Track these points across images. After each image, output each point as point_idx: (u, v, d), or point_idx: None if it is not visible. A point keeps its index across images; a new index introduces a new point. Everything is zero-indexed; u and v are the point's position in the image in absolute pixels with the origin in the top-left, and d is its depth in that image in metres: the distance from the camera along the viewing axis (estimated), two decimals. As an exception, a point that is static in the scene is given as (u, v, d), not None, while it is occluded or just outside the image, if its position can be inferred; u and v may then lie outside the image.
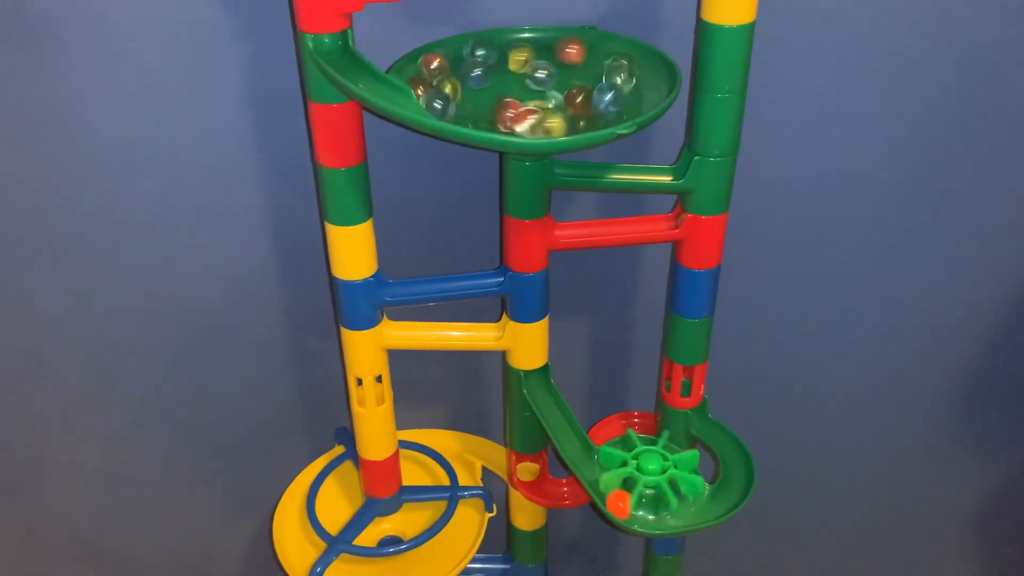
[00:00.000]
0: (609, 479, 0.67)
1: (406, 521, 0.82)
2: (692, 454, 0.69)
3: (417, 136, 0.72)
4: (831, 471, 0.98)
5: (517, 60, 0.64)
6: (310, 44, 0.58)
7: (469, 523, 0.81)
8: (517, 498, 0.82)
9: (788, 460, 0.96)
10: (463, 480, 0.84)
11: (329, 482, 0.84)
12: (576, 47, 0.64)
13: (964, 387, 0.91)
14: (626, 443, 0.71)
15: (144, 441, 0.90)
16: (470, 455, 0.88)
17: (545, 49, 0.65)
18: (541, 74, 0.62)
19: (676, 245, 0.69)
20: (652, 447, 0.70)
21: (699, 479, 0.68)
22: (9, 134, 0.72)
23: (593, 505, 0.68)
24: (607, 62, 0.62)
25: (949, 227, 0.81)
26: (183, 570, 1.00)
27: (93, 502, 0.94)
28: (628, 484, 0.67)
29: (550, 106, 0.59)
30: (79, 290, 0.80)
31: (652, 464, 0.68)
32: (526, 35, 0.68)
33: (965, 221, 0.81)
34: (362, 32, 0.62)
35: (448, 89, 0.61)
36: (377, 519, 0.81)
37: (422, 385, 0.90)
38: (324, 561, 0.76)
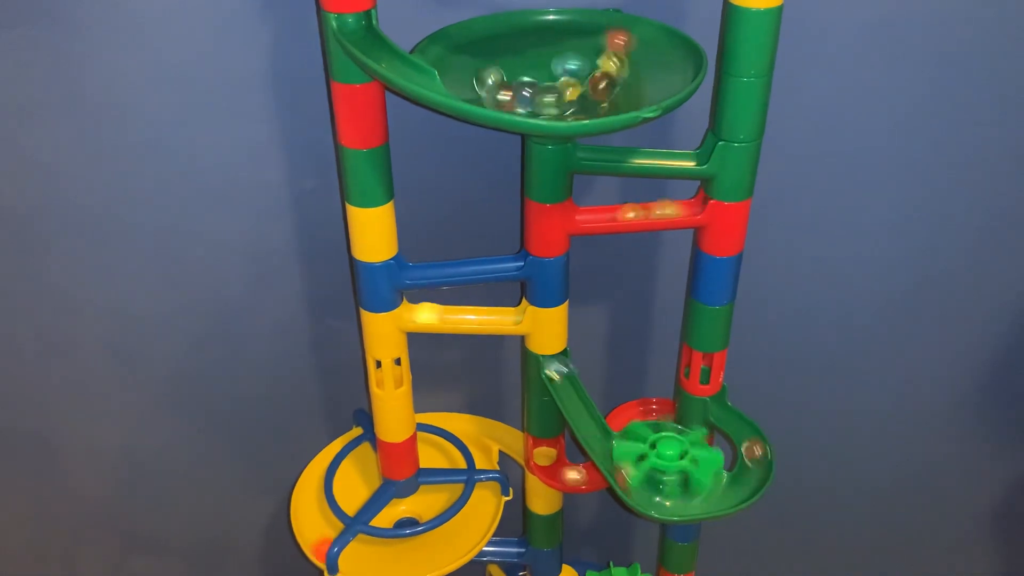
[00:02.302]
0: (622, 453, 0.67)
1: (423, 503, 0.82)
2: (716, 457, 0.68)
3: (439, 118, 0.71)
4: (849, 461, 0.97)
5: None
6: (334, 23, 0.58)
7: (485, 506, 0.81)
8: (534, 482, 0.82)
9: (807, 449, 0.95)
10: (480, 464, 0.84)
11: (347, 463, 0.84)
12: (623, 38, 0.63)
13: (986, 380, 0.90)
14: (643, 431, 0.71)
15: (163, 421, 0.90)
16: (487, 439, 0.88)
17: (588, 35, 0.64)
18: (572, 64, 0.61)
19: (698, 231, 0.68)
20: (671, 434, 0.70)
21: (717, 462, 0.68)
22: (29, 115, 0.72)
23: (610, 490, 0.68)
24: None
25: (975, 217, 0.80)
26: (201, 549, 1.01)
27: (112, 482, 0.94)
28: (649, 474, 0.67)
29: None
30: (98, 271, 0.80)
31: (670, 450, 0.68)
32: (551, 17, 0.67)
33: (992, 212, 0.80)
34: (386, 11, 0.62)
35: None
36: (394, 501, 0.81)
37: (441, 368, 0.90)
38: (341, 541, 0.76)
